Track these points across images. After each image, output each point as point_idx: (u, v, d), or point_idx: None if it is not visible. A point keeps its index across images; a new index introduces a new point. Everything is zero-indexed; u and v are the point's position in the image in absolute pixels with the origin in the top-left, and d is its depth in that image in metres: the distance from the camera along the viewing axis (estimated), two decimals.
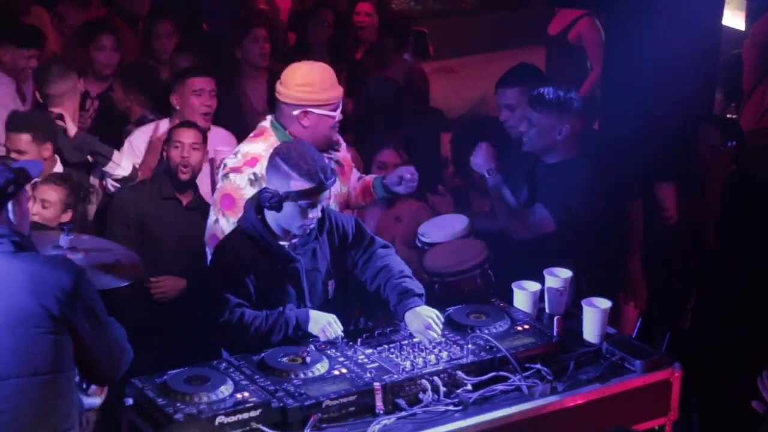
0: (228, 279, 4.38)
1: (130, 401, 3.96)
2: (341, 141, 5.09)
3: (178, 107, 6.10)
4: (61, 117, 5.93)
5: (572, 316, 4.56)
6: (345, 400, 3.92)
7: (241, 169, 4.77)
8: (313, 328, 4.34)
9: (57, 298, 3.52)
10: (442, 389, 4.06)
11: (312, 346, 4.24)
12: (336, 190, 4.93)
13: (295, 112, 4.79)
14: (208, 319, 4.38)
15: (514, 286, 4.66)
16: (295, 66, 4.88)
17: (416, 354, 4.20)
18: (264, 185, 4.47)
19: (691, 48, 5.78)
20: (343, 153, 5.10)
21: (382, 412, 3.95)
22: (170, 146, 5.67)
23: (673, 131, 5.72)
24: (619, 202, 5.45)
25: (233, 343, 4.35)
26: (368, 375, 4.05)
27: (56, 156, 5.85)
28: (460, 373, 4.12)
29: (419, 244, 5.30)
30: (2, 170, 3.64)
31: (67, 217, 5.39)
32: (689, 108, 5.86)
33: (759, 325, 5.35)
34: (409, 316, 4.39)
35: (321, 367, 4.08)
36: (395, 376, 4.04)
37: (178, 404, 3.81)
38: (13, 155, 5.53)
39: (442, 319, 4.38)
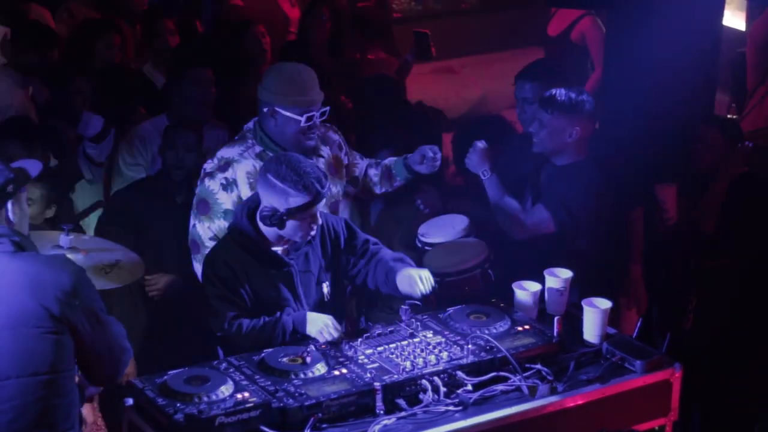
0: (222, 294, 4.38)
1: (130, 401, 3.96)
2: (322, 146, 5.00)
3: (176, 99, 6.10)
4: None
5: (572, 316, 4.57)
6: (345, 400, 3.92)
7: (214, 174, 4.80)
8: (310, 330, 4.34)
9: (57, 298, 3.52)
10: (443, 389, 4.05)
11: (312, 347, 4.23)
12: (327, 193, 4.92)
13: (265, 110, 4.82)
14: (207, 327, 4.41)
15: (514, 286, 4.65)
16: (274, 65, 4.92)
17: (416, 354, 4.19)
18: (236, 190, 4.55)
19: (692, 48, 5.77)
20: (334, 151, 5.06)
21: (382, 412, 3.95)
22: (166, 146, 5.66)
23: (673, 132, 5.71)
24: (620, 208, 5.43)
25: (233, 352, 4.33)
26: (368, 375, 4.05)
27: None
28: (460, 374, 4.12)
29: (419, 245, 5.29)
30: (2, 170, 3.64)
31: (51, 213, 5.29)
32: (689, 108, 5.85)
33: (759, 325, 5.35)
34: (399, 278, 4.47)
35: (321, 367, 4.08)
36: (395, 376, 4.04)
37: (178, 404, 3.81)
38: None
39: (432, 281, 4.46)
